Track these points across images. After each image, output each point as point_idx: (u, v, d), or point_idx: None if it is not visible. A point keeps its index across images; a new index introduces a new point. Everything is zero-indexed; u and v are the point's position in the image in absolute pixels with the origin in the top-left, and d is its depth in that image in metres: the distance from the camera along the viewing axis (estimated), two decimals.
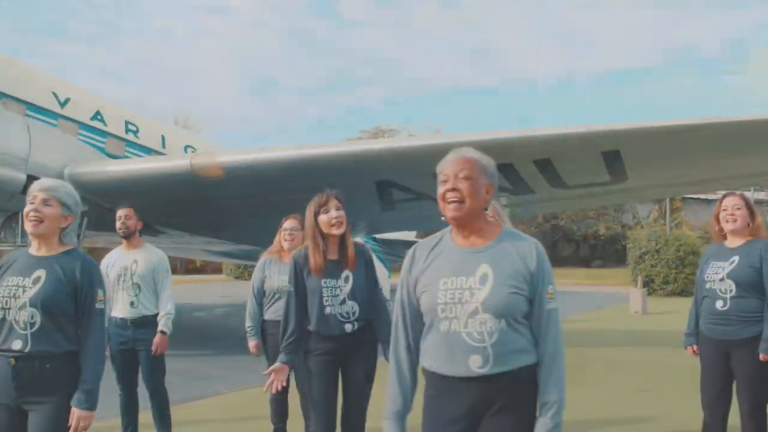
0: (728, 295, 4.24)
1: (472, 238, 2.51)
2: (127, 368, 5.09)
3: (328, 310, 3.84)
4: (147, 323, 5.06)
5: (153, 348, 4.99)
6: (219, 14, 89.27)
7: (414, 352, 2.58)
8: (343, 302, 3.86)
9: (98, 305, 3.16)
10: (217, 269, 36.28)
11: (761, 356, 4.06)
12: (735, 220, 4.26)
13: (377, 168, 8.31)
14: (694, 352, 4.53)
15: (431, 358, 2.48)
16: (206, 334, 13.16)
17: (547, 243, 39.54)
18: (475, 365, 2.37)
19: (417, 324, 2.55)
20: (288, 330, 3.91)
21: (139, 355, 5.07)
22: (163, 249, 5.42)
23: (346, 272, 3.89)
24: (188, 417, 6.00)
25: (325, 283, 3.86)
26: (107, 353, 4.11)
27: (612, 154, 7.85)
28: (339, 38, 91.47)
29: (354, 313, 3.88)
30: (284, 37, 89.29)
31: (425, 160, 8.43)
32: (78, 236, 3.54)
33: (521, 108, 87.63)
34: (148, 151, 11.81)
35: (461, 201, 2.42)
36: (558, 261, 39.02)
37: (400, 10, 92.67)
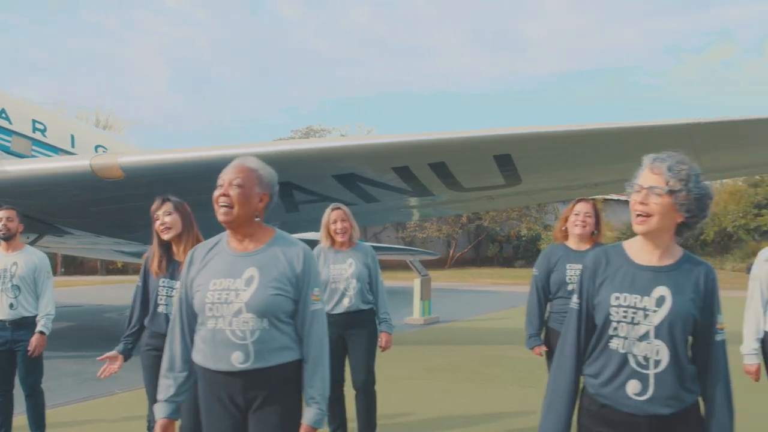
0: None
1: (246, 242, 2.69)
2: (3, 369, 5.09)
3: (160, 308, 4.08)
4: (26, 324, 5.10)
5: (30, 348, 5.01)
6: (149, 10, 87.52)
7: (190, 348, 2.72)
8: None
9: None
10: (139, 270, 35.59)
11: None
12: (584, 226, 4.58)
13: (276, 170, 8.30)
14: (540, 353, 4.66)
15: (199, 353, 2.66)
16: (110, 335, 12.99)
17: (471, 243, 40.16)
18: (237, 361, 2.54)
19: (194, 322, 2.71)
20: (130, 323, 4.19)
21: (16, 356, 5.09)
22: (70, 250, 5.47)
23: None
24: (75, 417, 6.01)
25: (163, 282, 4.08)
26: None
27: (504, 158, 8.12)
28: (272, 37, 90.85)
29: None
30: (216, 34, 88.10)
31: (325, 162, 8.67)
32: None
33: (455, 110, 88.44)
34: (57, 150, 11.62)
35: (230, 206, 2.60)
36: (482, 261, 39.64)
37: (334, 10, 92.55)
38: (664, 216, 2.29)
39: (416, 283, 14.00)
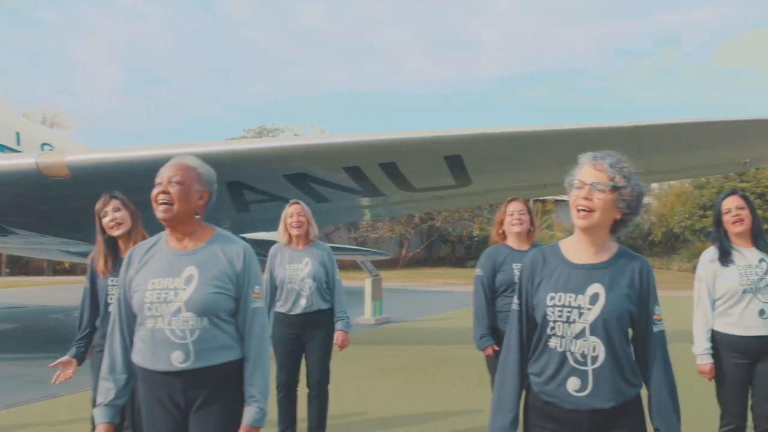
0: None
1: (185, 240, 2.67)
2: None
3: (111, 308, 3.93)
4: None
5: None
6: (101, 6, 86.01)
7: (130, 350, 2.69)
8: None
9: None
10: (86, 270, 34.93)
11: None
12: (521, 223, 4.64)
13: (225, 169, 8.27)
14: (493, 350, 4.65)
15: (138, 353, 2.63)
16: (56, 336, 12.73)
17: (423, 243, 40.29)
18: (177, 360, 2.52)
19: (132, 322, 2.68)
20: (81, 326, 4.10)
21: None
22: (15, 250, 5.34)
23: None
24: (17, 421, 5.90)
25: (112, 282, 3.98)
26: None
27: (454, 159, 8.17)
28: (224, 35, 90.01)
29: None
30: (167, 32, 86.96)
31: (276, 162, 8.63)
32: None
33: (405, 110, 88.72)
34: (1, 148, 11.37)
35: (170, 204, 2.58)
36: (434, 261, 39.80)
37: (286, 8, 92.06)
38: (605, 212, 2.33)
39: (367, 284, 14.00)
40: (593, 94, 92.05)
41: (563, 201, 38.45)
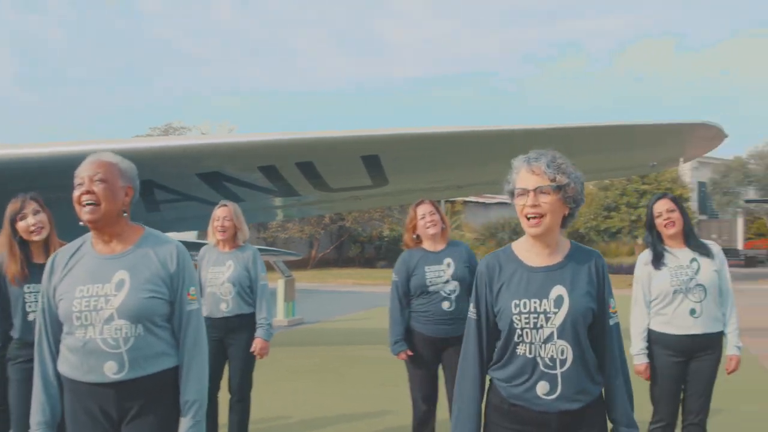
0: (453, 296, 4.51)
1: (113, 243, 2.52)
2: None
3: (31, 317, 3.69)
4: None
5: None
6: None
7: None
8: None
9: None
10: None
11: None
12: (435, 225, 4.60)
13: (137, 168, 7.95)
14: (407, 355, 4.62)
15: (65, 363, 2.46)
16: None
17: (333, 243, 40.21)
18: (111, 371, 2.37)
19: (59, 332, 2.51)
20: None
21: None
22: None
23: None
24: None
25: (28, 289, 3.72)
26: None
27: (371, 159, 8.12)
28: (130, 29, 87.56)
29: None
30: (71, 25, 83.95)
31: (189, 161, 8.37)
32: None
33: (317, 110, 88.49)
34: None
35: (96, 204, 2.42)
36: (344, 261, 39.76)
37: (196, 4, 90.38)
38: (555, 213, 2.30)
39: (280, 284, 13.82)
40: (504, 97, 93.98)
41: (471, 202, 39.15)
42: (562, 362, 2.27)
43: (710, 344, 4.12)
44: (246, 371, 4.99)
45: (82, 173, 2.45)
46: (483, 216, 37.92)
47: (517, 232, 32.21)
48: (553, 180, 2.27)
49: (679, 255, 4.15)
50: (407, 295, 4.66)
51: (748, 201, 32.34)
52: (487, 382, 2.47)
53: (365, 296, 21.33)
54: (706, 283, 4.07)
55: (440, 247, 4.65)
